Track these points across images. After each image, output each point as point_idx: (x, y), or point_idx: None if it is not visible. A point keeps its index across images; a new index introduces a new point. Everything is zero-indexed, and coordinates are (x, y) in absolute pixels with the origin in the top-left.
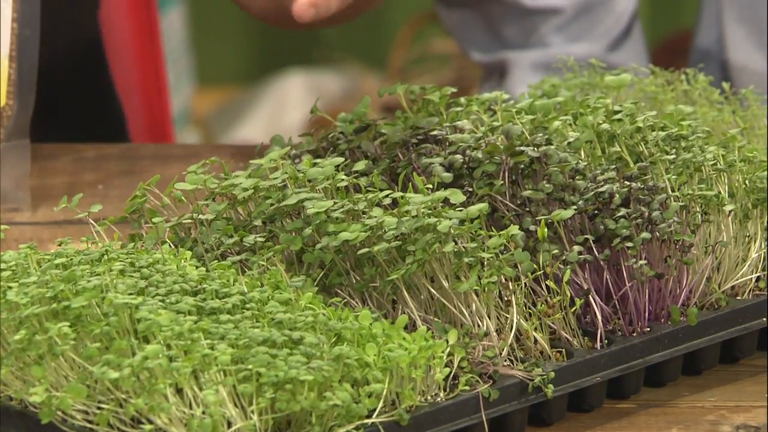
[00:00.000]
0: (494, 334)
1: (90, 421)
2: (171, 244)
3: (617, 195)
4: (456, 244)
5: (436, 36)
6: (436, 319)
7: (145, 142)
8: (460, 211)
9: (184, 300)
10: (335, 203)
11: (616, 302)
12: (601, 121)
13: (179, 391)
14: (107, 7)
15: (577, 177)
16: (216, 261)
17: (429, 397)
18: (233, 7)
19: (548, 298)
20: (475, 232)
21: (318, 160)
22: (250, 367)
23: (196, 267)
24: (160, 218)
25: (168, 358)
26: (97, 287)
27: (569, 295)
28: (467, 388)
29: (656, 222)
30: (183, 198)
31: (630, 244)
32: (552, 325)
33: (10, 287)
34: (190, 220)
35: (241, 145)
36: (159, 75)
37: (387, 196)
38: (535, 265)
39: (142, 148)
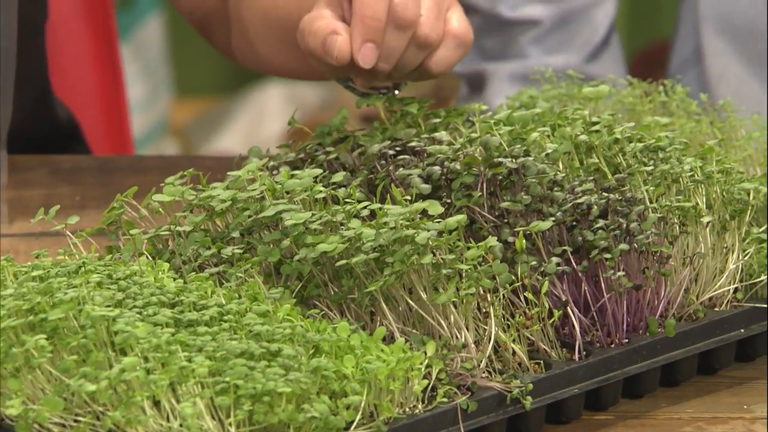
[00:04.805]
0: (472, 345)
1: None
2: (148, 256)
3: (595, 206)
4: (434, 255)
5: None
6: (414, 331)
7: (103, 147)
8: (439, 222)
9: (161, 312)
10: (313, 215)
11: (595, 314)
12: (579, 133)
13: (156, 404)
14: (59, 15)
15: (555, 188)
16: (194, 273)
17: (407, 409)
18: None
19: (526, 310)
20: (454, 243)
21: (296, 172)
22: (227, 379)
23: (174, 279)
24: (137, 230)
25: (145, 371)
26: (74, 299)
27: (547, 306)
28: (445, 399)
29: (634, 233)
30: (160, 209)
31: (608, 256)
32: (530, 336)
33: None
34: (167, 232)
35: (219, 156)
36: (117, 80)
37: (365, 207)
38: (513, 277)
39: (119, 160)
